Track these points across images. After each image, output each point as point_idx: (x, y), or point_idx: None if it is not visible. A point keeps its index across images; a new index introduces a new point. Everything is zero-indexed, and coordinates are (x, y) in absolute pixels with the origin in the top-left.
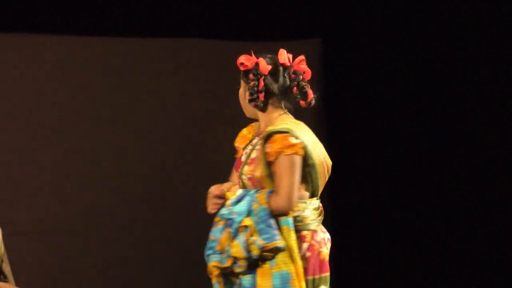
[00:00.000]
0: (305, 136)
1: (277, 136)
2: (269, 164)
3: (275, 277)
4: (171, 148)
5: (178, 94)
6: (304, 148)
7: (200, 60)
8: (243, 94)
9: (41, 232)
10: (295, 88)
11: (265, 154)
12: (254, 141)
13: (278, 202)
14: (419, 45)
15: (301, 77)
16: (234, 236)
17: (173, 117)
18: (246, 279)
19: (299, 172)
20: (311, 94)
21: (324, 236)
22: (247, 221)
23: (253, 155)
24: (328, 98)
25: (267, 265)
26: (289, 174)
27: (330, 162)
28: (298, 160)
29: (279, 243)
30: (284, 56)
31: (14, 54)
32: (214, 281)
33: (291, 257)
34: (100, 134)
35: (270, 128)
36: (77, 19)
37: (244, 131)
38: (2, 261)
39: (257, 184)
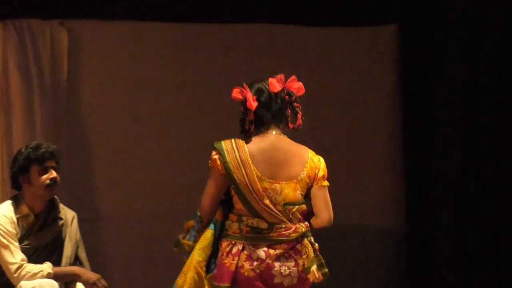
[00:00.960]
0: (236, 155)
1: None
2: None
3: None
4: None
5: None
6: (224, 164)
7: (283, 45)
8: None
9: (113, 218)
10: (288, 110)
11: None
12: None
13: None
14: (502, 28)
15: (294, 97)
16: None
17: None
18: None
19: (214, 183)
20: (300, 119)
21: (257, 256)
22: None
23: None
24: (404, 86)
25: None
26: (207, 183)
27: (257, 187)
28: (214, 172)
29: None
30: (274, 85)
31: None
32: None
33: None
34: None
35: None
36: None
37: None
38: (78, 247)
39: None
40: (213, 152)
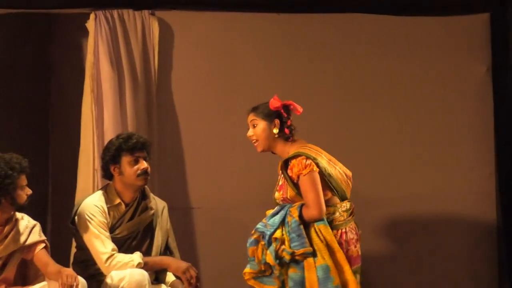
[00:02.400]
0: (317, 154)
1: (293, 161)
2: (295, 185)
3: (318, 269)
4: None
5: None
6: (317, 164)
7: (374, 35)
8: (266, 131)
9: (204, 207)
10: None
11: (289, 178)
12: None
13: (310, 212)
14: None
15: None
16: (268, 246)
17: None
18: (295, 274)
19: (319, 184)
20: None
21: (353, 237)
22: (278, 233)
23: (280, 182)
24: (495, 74)
25: (311, 260)
26: (312, 189)
27: (348, 172)
28: (315, 176)
29: (307, 250)
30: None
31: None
32: (249, 283)
33: (330, 249)
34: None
35: (287, 156)
36: None
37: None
38: (168, 237)
39: (291, 202)
40: (304, 160)
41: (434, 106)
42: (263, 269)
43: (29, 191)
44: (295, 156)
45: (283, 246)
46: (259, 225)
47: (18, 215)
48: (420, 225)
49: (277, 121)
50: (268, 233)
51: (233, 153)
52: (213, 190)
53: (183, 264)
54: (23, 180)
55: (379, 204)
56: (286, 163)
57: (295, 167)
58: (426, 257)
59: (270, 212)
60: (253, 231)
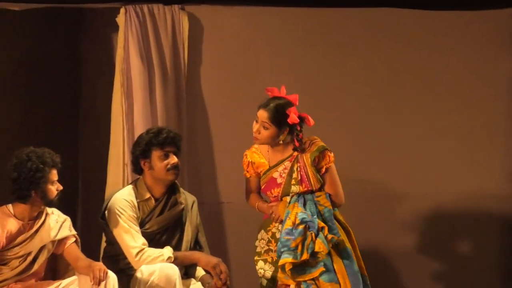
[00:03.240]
0: None
1: (327, 152)
2: (321, 175)
3: (343, 253)
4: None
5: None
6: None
7: (405, 30)
8: (273, 136)
9: (233, 202)
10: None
11: (314, 166)
12: (286, 163)
13: (339, 200)
14: None
15: None
16: (316, 235)
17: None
18: (327, 260)
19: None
20: None
21: None
22: (321, 223)
23: (297, 175)
24: None
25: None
26: (337, 178)
27: None
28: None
29: (340, 238)
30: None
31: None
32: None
33: (348, 233)
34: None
35: (319, 147)
36: None
37: (253, 158)
38: (198, 231)
39: (312, 194)
40: (330, 153)
41: (464, 102)
42: (307, 258)
43: (59, 187)
44: (326, 149)
45: (329, 234)
46: (302, 215)
47: (48, 209)
48: (448, 221)
49: (286, 131)
50: (316, 221)
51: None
52: (243, 185)
53: (213, 259)
54: (54, 175)
55: (409, 199)
56: (322, 154)
57: (326, 159)
58: (457, 253)
59: (287, 199)
60: (298, 222)
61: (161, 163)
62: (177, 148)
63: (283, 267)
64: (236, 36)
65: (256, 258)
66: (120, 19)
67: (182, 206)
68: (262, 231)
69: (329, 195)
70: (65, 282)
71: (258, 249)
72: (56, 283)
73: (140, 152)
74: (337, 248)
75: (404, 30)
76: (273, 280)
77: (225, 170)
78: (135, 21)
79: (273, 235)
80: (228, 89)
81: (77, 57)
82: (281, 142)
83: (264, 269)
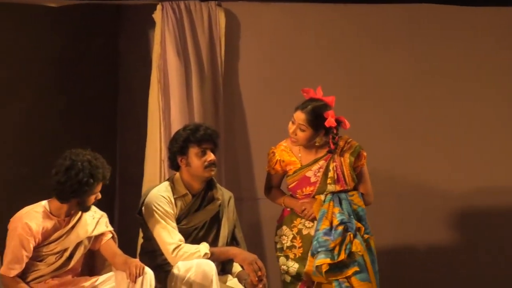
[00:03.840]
0: None
1: (362, 152)
2: (356, 174)
3: (369, 252)
4: None
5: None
6: None
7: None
8: (309, 138)
9: None
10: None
11: (351, 166)
12: (321, 162)
13: (370, 199)
14: None
15: None
16: (354, 236)
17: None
18: (360, 259)
19: None
20: None
21: None
22: (358, 223)
23: (333, 175)
24: None
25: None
26: (369, 177)
27: None
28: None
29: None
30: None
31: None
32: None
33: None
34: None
35: (356, 146)
36: None
37: (283, 156)
38: (234, 227)
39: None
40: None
41: (503, 98)
42: (344, 258)
43: (99, 196)
44: (361, 149)
45: (365, 235)
46: (340, 216)
47: None
48: (486, 219)
49: (322, 133)
50: (353, 223)
51: None
52: None
53: (250, 255)
54: (99, 188)
55: (449, 196)
56: (359, 153)
57: (361, 159)
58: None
59: (321, 197)
60: (337, 222)
61: (198, 160)
62: (214, 145)
63: (318, 267)
64: (273, 32)
65: (277, 254)
66: (157, 15)
67: (219, 202)
68: (285, 227)
69: (362, 194)
70: (101, 278)
71: (278, 245)
72: (93, 279)
73: (177, 148)
74: (366, 247)
75: (444, 26)
76: (297, 276)
77: (262, 167)
78: (171, 17)
79: (299, 231)
80: (265, 86)
81: (114, 54)
82: (317, 144)
83: (287, 265)
